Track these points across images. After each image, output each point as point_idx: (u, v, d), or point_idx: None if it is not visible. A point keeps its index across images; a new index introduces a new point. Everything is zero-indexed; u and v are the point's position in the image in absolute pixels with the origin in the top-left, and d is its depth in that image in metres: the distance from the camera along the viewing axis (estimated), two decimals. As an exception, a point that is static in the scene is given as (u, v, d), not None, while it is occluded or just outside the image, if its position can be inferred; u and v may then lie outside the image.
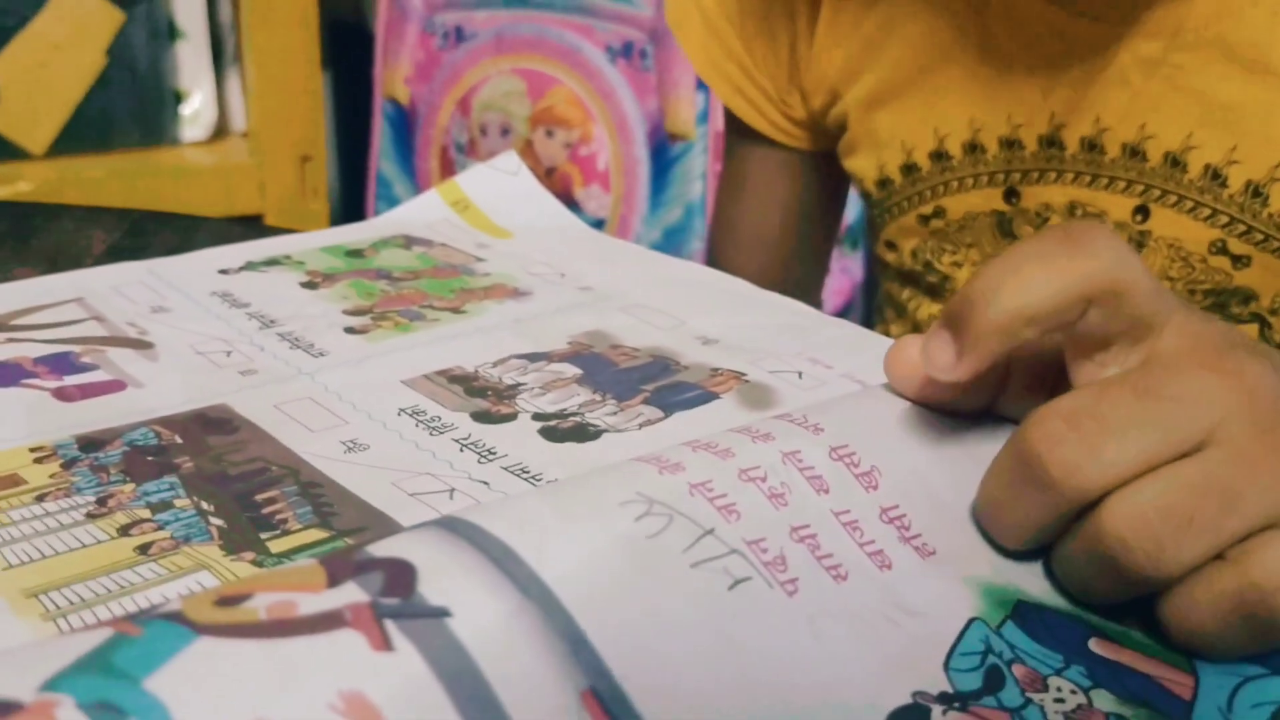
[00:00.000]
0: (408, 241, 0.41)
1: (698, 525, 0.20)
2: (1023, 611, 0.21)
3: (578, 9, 1.06)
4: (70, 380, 0.29)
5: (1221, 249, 0.40)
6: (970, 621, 0.21)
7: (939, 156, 0.44)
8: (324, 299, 0.35)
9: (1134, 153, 0.40)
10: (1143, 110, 0.39)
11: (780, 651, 0.19)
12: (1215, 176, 0.39)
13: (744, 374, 0.31)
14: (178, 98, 1.15)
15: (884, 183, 0.46)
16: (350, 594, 0.17)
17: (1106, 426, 0.21)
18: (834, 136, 0.48)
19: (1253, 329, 0.41)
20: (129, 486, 0.24)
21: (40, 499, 0.24)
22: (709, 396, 0.29)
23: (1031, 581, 0.22)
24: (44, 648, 0.15)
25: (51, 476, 0.25)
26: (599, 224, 1.03)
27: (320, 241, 0.41)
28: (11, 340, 0.31)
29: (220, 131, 1.18)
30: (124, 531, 0.23)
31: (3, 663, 0.15)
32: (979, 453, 0.23)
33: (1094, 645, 0.21)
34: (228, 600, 0.17)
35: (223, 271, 0.37)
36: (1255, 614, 0.20)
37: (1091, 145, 0.40)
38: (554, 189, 1.04)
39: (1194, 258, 0.40)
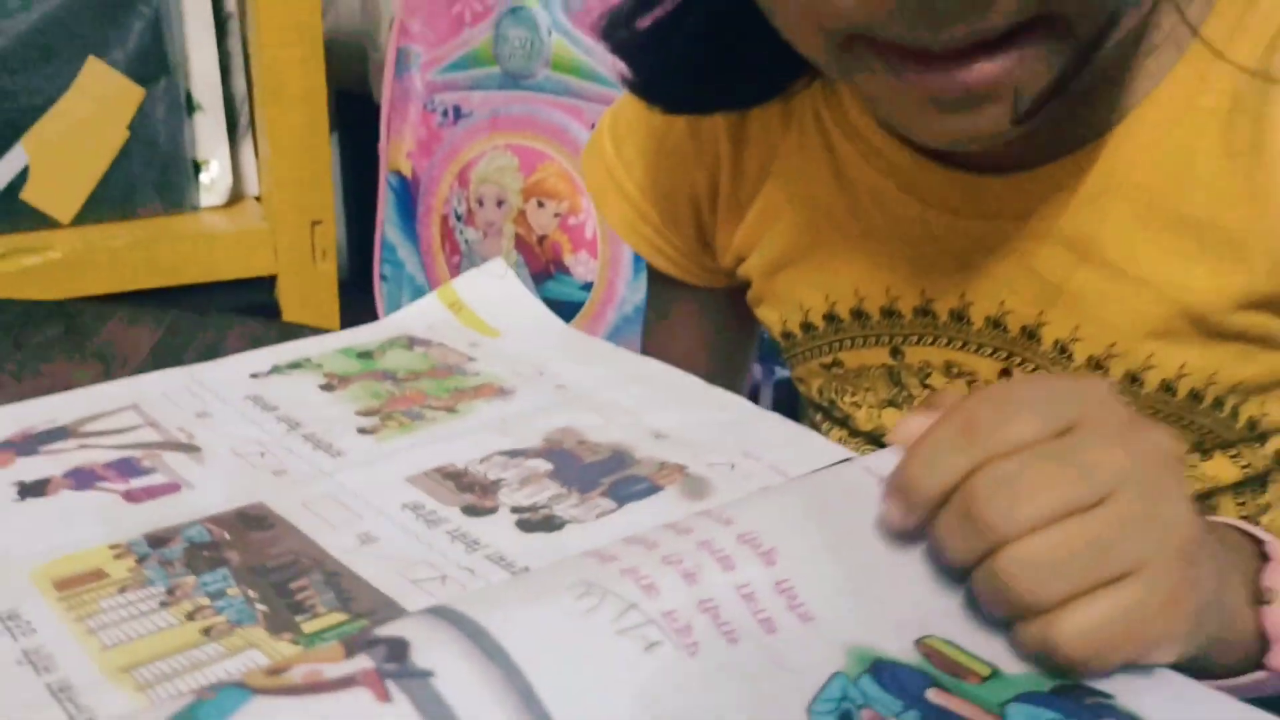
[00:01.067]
0: (410, 342, 0.47)
1: (624, 601, 0.26)
2: (877, 667, 0.27)
3: (566, 91, 1.11)
4: (135, 483, 0.35)
5: None
6: (833, 675, 0.27)
7: (831, 318, 0.50)
8: (340, 401, 0.42)
9: (995, 324, 0.45)
10: (1000, 289, 0.45)
11: (681, 699, 0.25)
12: (1063, 350, 0.45)
13: (686, 466, 0.37)
14: (196, 167, 1.19)
15: (787, 334, 0.52)
16: (361, 662, 0.23)
17: (1025, 490, 0.27)
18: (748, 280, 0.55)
19: None
20: (190, 578, 0.31)
21: (122, 590, 0.30)
22: (655, 489, 0.36)
23: (889, 643, 0.28)
24: (153, 709, 0.22)
25: (129, 570, 0.31)
26: (588, 286, 1.10)
27: (336, 344, 0.47)
28: (83, 447, 0.38)
29: (236, 197, 1.21)
30: (190, 617, 0.29)
31: None
32: (861, 536, 0.30)
33: (930, 695, 0.27)
34: (274, 671, 0.23)
35: (253, 375, 0.44)
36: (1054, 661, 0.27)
37: (959, 316, 0.46)
38: (546, 255, 1.11)
39: None
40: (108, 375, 0.45)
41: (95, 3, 1.08)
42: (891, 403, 0.50)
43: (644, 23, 0.47)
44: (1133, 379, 0.44)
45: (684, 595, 0.27)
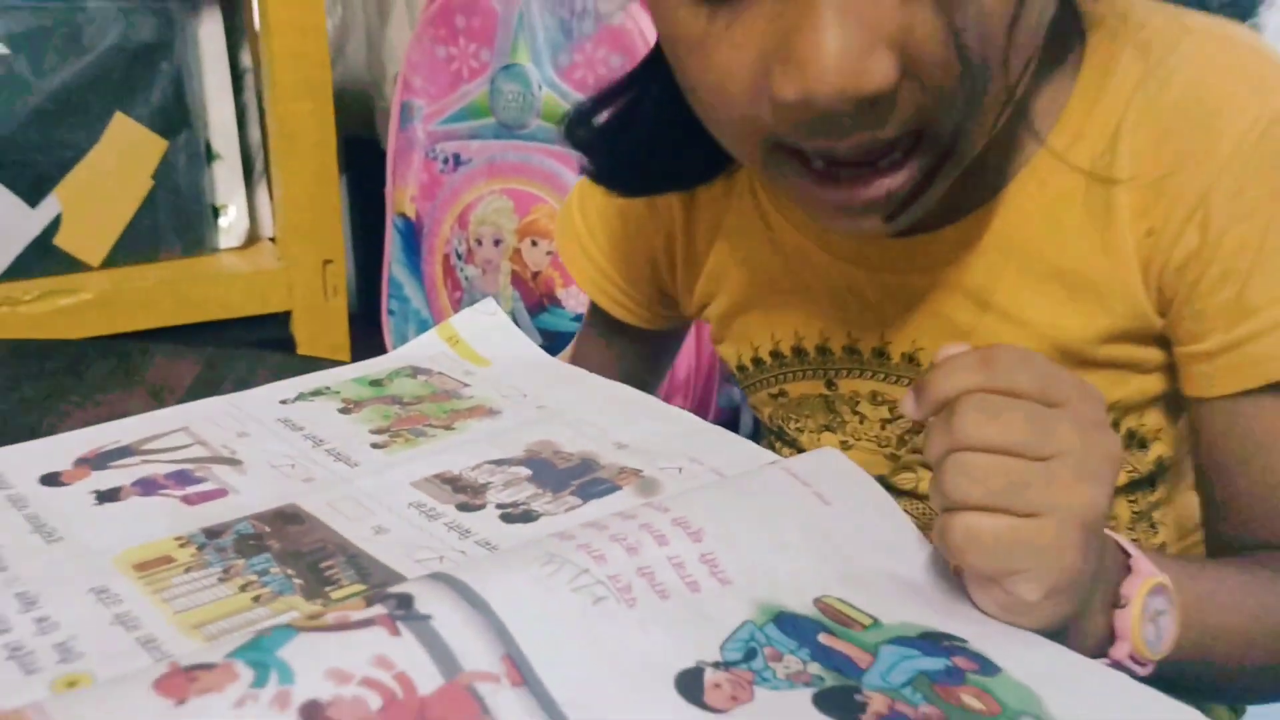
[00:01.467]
0: (414, 372, 0.55)
1: (578, 567, 0.34)
2: (780, 618, 0.35)
3: (556, 140, 1.16)
4: (190, 490, 0.43)
5: None
6: (744, 622, 0.34)
7: (776, 355, 0.57)
8: (355, 421, 0.50)
9: (910, 359, 0.53)
10: (911, 331, 0.52)
11: (621, 639, 0.32)
12: None
13: (642, 470, 0.45)
14: (215, 211, 1.24)
15: (742, 368, 0.59)
16: (377, 610, 0.31)
17: (997, 423, 0.35)
18: (685, 319, 0.63)
19: None
20: (240, 561, 0.38)
21: (187, 571, 0.38)
22: (615, 488, 0.43)
23: (791, 600, 0.36)
24: (225, 643, 0.30)
25: (191, 556, 0.39)
26: (578, 317, 1.15)
27: (351, 374, 0.55)
28: (145, 462, 0.46)
29: (252, 239, 1.26)
30: (242, 589, 0.37)
31: (200, 652, 0.29)
32: (776, 520, 0.38)
33: (821, 638, 0.35)
34: (313, 617, 0.31)
35: (282, 401, 0.52)
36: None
37: (880, 353, 0.53)
38: (540, 289, 1.18)
39: None
40: (159, 403, 0.53)
41: (122, 62, 1.14)
42: (828, 427, 0.58)
43: (599, 120, 0.55)
44: None
45: (626, 563, 0.35)
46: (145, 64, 1.15)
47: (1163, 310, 0.48)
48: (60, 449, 0.46)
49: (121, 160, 1.16)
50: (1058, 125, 0.48)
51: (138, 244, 1.19)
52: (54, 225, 1.14)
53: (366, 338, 1.27)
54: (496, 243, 1.21)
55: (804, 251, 0.54)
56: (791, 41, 0.38)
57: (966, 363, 0.36)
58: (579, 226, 0.63)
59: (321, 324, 1.22)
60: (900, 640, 0.35)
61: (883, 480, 0.48)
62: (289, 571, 0.38)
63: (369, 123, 1.47)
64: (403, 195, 1.30)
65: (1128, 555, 0.40)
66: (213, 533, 0.40)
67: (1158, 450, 0.53)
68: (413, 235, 1.30)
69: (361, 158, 1.42)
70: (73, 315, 1.11)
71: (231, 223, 1.25)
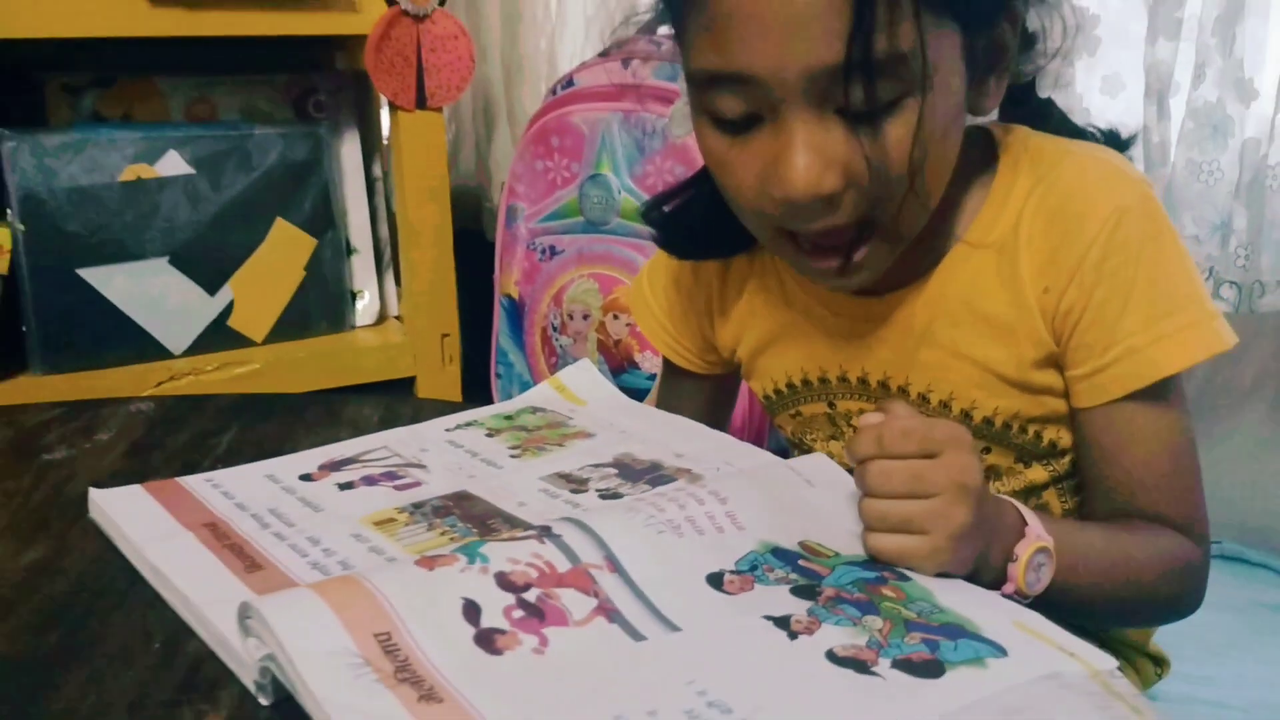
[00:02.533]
0: (534, 410, 0.78)
1: (647, 514, 0.55)
2: (775, 550, 0.55)
3: (633, 234, 1.33)
4: (398, 482, 0.66)
5: None
6: (750, 551, 0.55)
7: (790, 385, 0.78)
8: (498, 442, 0.72)
9: (883, 385, 0.73)
10: (882, 365, 0.72)
11: (673, 553, 0.53)
12: (923, 398, 0.71)
13: (691, 469, 0.66)
14: (353, 296, 1.41)
15: (767, 397, 0.80)
16: (530, 532, 0.53)
17: (893, 475, 0.54)
18: (736, 366, 0.83)
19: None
20: (439, 520, 0.61)
21: (405, 525, 0.60)
22: (673, 479, 0.65)
23: (784, 540, 0.57)
24: (446, 547, 0.52)
25: (407, 517, 0.61)
26: (652, 377, 1.33)
27: (491, 411, 0.78)
28: (365, 466, 0.69)
29: (382, 318, 1.43)
30: (441, 534, 0.59)
31: (434, 550, 0.51)
32: (779, 495, 0.59)
33: (800, 561, 0.55)
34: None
35: (446, 429, 0.74)
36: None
37: (862, 381, 0.74)
38: (621, 355, 1.39)
39: None
40: (358, 434, 0.76)
41: (281, 176, 1.32)
42: (833, 437, 0.79)
43: (667, 208, 0.78)
44: (966, 414, 0.72)
45: (677, 513, 0.56)
46: (300, 177, 1.33)
47: (1058, 342, 0.68)
48: (309, 459, 0.70)
49: (280, 256, 1.34)
50: (978, 219, 0.69)
51: (293, 323, 1.36)
52: (228, 309, 1.32)
53: (477, 399, 1.45)
54: (585, 317, 1.37)
55: (808, 306, 0.76)
56: (778, 163, 0.59)
57: (867, 437, 0.56)
58: (647, 294, 0.86)
59: (440, 387, 1.37)
60: (851, 563, 0.56)
61: None
62: (469, 525, 0.60)
63: (477, 218, 1.67)
64: (508, 280, 1.47)
65: (1025, 522, 0.60)
66: (417, 505, 0.63)
67: (1071, 456, 0.73)
68: (516, 312, 1.47)
69: (471, 248, 1.54)
70: (244, 382, 1.30)
71: (366, 304, 1.42)
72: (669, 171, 1.31)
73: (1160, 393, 0.65)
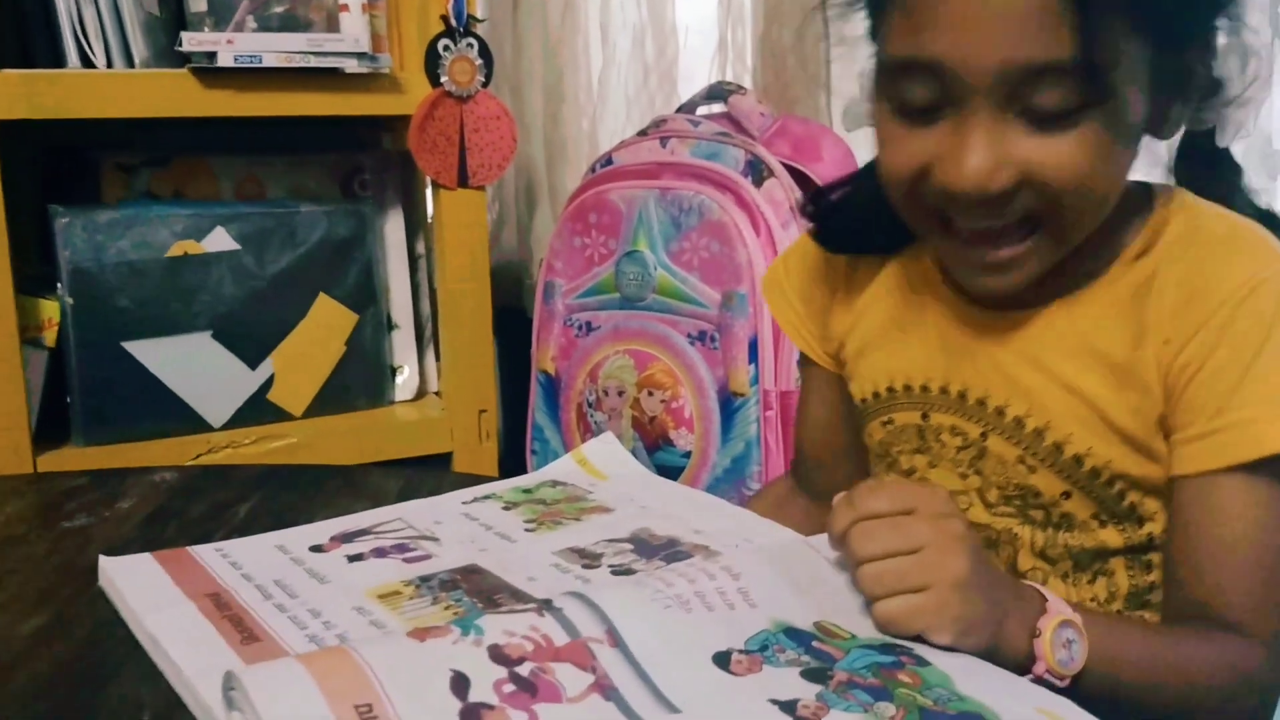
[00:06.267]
0: (554, 483, 0.76)
1: (655, 588, 0.53)
2: (788, 630, 0.53)
3: (667, 310, 1.34)
4: (407, 555, 0.65)
5: (1019, 461, 0.69)
6: (762, 630, 0.53)
7: (890, 390, 0.75)
8: (514, 515, 0.71)
9: (980, 403, 0.70)
10: (986, 383, 0.69)
11: (679, 629, 0.51)
12: (1019, 423, 0.69)
13: (708, 546, 0.64)
14: (393, 371, 1.41)
15: (864, 401, 0.78)
16: (530, 605, 0.51)
17: (873, 540, 0.53)
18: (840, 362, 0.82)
19: (1037, 523, 0.71)
20: (444, 595, 0.59)
21: (410, 599, 0.59)
22: (689, 555, 0.63)
23: (798, 620, 0.54)
24: (442, 619, 0.50)
25: (413, 591, 0.60)
26: (687, 454, 1.32)
27: (510, 485, 0.77)
28: (377, 537, 0.68)
29: (421, 393, 1.43)
30: (446, 609, 0.58)
31: (429, 621, 0.50)
32: (794, 571, 0.57)
33: (814, 643, 0.53)
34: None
35: (463, 502, 0.73)
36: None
37: (962, 396, 0.71)
38: (655, 431, 1.38)
39: (1008, 465, 0.70)
40: (376, 505, 0.75)
41: (325, 253, 1.34)
42: (919, 450, 0.75)
43: (828, 199, 0.79)
44: (1058, 447, 0.68)
45: (686, 588, 0.54)
46: (343, 254, 1.35)
47: (1168, 398, 0.65)
48: (322, 530, 0.69)
49: (322, 331, 1.35)
50: (1120, 259, 0.68)
51: (332, 398, 1.37)
52: (268, 383, 1.32)
53: (513, 474, 1.46)
54: (620, 394, 1.37)
55: (928, 308, 0.74)
56: (952, 153, 0.60)
57: (842, 508, 0.55)
58: (780, 275, 0.84)
59: (476, 462, 1.37)
60: (867, 646, 0.53)
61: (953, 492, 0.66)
62: (476, 600, 0.59)
63: (519, 295, 1.69)
64: (544, 355, 1.47)
65: (1045, 598, 0.58)
66: (425, 578, 0.61)
67: (1150, 528, 0.69)
68: (552, 388, 1.47)
69: (512, 324, 1.58)
70: (282, 455, 1.30)
71: (405, 380, 1.43)
72: (705, 249, 1.31)
73: (1264, 475, 0.62)
